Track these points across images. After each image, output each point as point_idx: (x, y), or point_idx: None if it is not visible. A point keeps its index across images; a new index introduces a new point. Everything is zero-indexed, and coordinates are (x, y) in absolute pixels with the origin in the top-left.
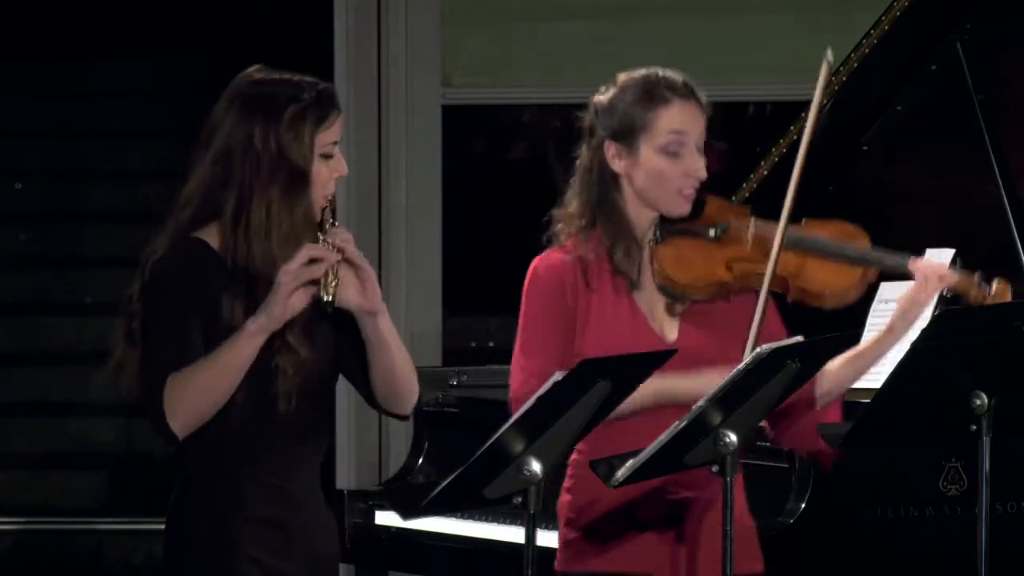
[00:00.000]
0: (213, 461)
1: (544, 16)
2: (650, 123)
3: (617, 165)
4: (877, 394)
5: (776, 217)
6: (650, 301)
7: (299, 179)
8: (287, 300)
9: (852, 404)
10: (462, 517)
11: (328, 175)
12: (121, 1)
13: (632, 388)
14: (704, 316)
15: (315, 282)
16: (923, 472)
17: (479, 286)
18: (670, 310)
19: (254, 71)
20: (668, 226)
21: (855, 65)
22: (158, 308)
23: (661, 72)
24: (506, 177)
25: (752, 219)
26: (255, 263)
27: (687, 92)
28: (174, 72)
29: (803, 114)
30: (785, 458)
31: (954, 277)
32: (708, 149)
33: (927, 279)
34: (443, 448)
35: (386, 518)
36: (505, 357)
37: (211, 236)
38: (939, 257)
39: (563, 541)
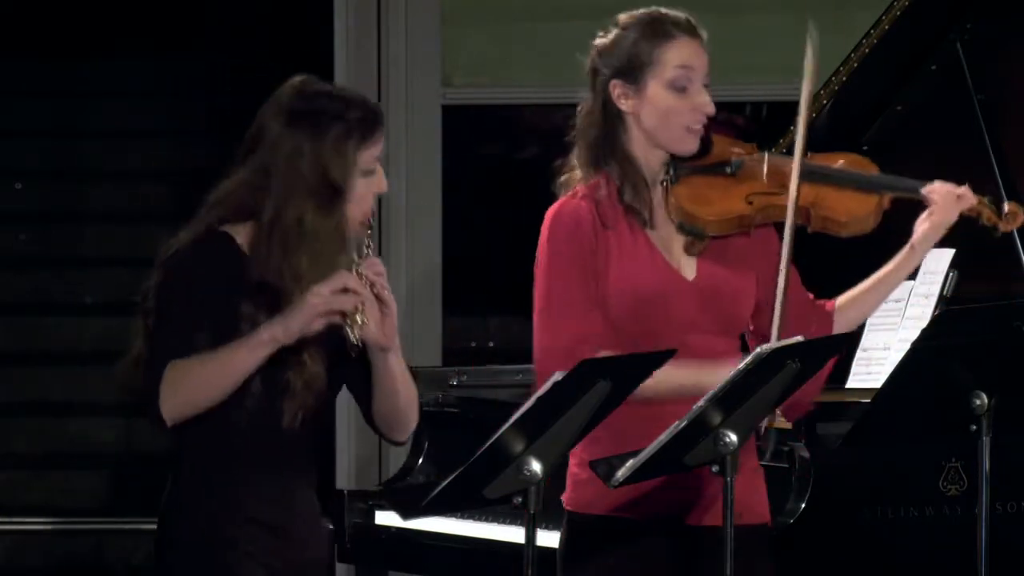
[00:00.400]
0: (212, 464)
1: (544, 16)
2: (657, 58)
3: (624, 104)
4: (877, 394)
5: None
6: (666, 240)
7: (336, 194)
8: (310, 321)
9: (852, 404)
10: (462, 517)
11: (367, 191)
12: (121, 1)
13: (632, 388)
14: (721, 252)
15: (341, 312)
16: (923, 472)
17: (479, 286)
18: (688, 249)
19: (302, 82)
20: (680, 165)
21: (855, 65)
22: (169, 298)
23: (663, 9)
24: (506, 177)
25: (766, 153)
26: (280, 273)
27: (691, 28)
28: (174, 72)
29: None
30: (785, 458)
31: (972, 198)
32: (726, 123)
33: (945, 201)
34: (443, 448)
35: (386, 518)
36: (505, 357)
37: (238, 232)
38: (939, 257)
39: (573, 480)
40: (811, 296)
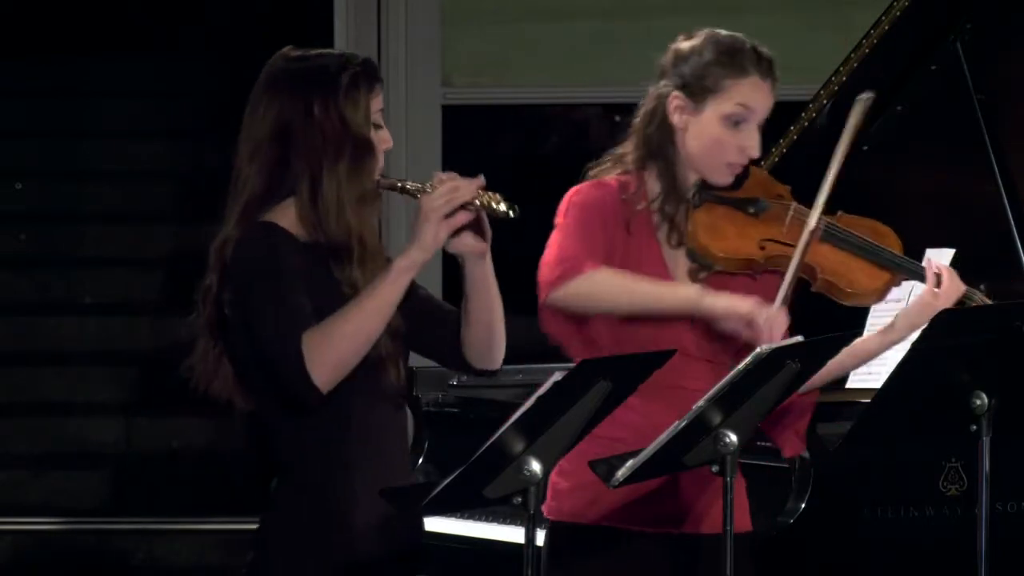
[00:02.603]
0: (320, 461)
1: (544, 16)
2: (723, 88)
3: (677, 118)
4: (877, 394)
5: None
6: (676, 259)
7: (365, 148)
8: (438, 227)
9: (852, 404)
10: (462, 517)
11: (377, 147)
12: (121, 1)
13: (633, 388)
14: (724, 285)
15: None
16: (923, 472)
17: None
18: (692, 275)
19: (289, 50)
20: (707, 191)
21: (855, 65)
22: (260, 280)
23: (750, 42)
24: (506, 177)
25: (793, 203)
26: (334, 237)
27: (768, 70)
28: (174, 72)
29: (802, 114)
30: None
31: (963, 290)
32: None
33: (950, 289)
34: (443, 448)
35: None
36: (506, 357)
37: (279, 217)
38: (939, 257)
39: (553, 490)
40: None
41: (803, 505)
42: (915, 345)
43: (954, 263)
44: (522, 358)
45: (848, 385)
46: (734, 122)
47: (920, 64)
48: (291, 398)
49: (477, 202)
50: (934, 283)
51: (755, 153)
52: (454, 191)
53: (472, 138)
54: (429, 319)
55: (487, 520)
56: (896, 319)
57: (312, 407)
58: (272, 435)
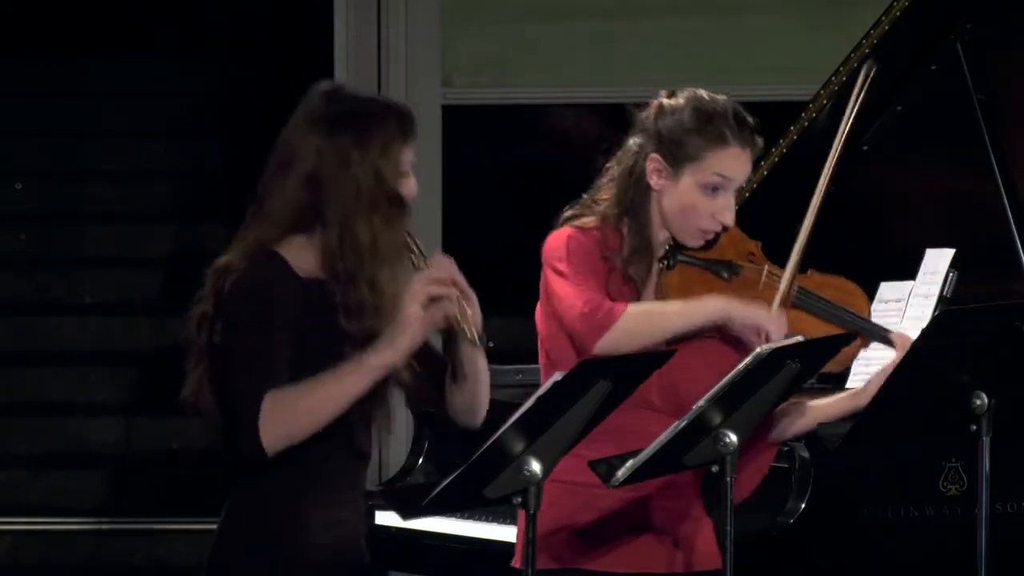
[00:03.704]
0: (282, 479)
1: (544, 16)
2: (703, 158)
3: (654, 180)
4: (878, 393)
5: (784, 254)
6: None
7: (398, 204)
8: (417, 337)
9: None
10: (462, 517)
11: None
12: (121, 1)
13: (632, 388)
14: (696, 345)
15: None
16: (923, 472)
17: (479, 286)
18: None
19: (330, 88)
20: (680, 252)
21: (855, 65)
22: (245, 323)
23: (732, 107)
24: (506, 177)
25: (766, 265)
26: (357, 290)
27: (749, 139)
28: (174, 72)
29: (802, 114)
30: (785, 458)
31: None
32: None
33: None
34: (443, 448)
35: (386, 518)
36: (505, 357)
37: (287, 250)
38: (939, 257)
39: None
40: None
41: (803, 505)
42: (915, 345)
43: (954, 263)
44: (522, 358)
45: (848, 385)
46: (711, 189)
47: (920, 64)
48: (237, 448)
49: (453, 310)
50: (901, 350)
51: (729, 221)
52: (432, 306)
53: (472, 138)
54: (421, 372)
55: (487, 520)
56: (868, 384)
57: (254, 462)
58: (231, 456)
